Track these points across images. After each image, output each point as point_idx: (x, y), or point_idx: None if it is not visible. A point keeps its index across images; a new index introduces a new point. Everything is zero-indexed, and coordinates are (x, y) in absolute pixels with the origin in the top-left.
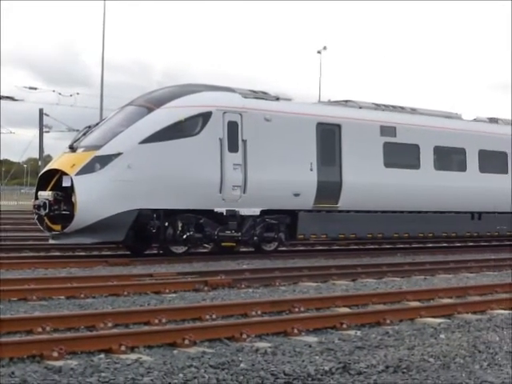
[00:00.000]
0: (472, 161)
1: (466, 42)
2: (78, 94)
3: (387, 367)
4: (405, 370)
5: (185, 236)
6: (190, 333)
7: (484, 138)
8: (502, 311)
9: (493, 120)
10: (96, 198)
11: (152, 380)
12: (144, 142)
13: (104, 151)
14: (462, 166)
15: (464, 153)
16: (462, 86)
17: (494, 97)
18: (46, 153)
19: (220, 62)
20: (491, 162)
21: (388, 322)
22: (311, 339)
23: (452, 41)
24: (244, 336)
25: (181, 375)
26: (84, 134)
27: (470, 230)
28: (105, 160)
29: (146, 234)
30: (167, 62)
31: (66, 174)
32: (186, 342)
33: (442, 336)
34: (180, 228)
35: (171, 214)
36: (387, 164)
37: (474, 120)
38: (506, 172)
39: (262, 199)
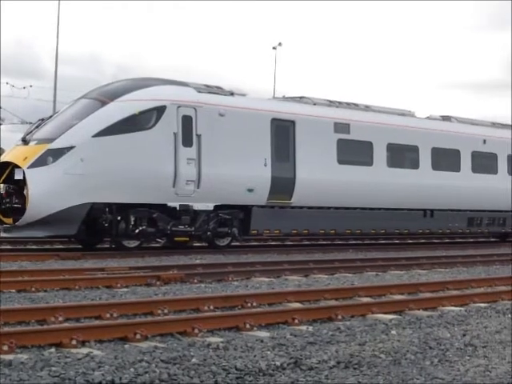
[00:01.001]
0: (425, 158)
1: (419, 40)
2: (31, 86)
3: (338, 363)
4: (356, 366)
5: (137, 230)
6: (141, 327)
7: (437, 135)
8: (453, 308)
9: (446, 118)
10: (48, 192)
11: (103, 374)
12: (97, 135)
13: (57, 144)
14: (414, 164)
15: (417, 150)
16: (415, 84)
17: (445, 95)
18: None
19: (174, 56)
20: (444, 159)
21: (340, 317)
22: (263, 334)
23: (405, 39)
24: (196, 331)
25: (132, 370)
26: (37, 127)
27: (422, 227)
28: (57, 153)
29: (98, 227)
30: (121, 56)
31: (18, 167)
32: (138, 336)
33: (394, 332)
34: (133, 222)
35: (124, 208)
36: (340, 161)
37: (428, 118)
38: (458, 170)
39: (215, 194)
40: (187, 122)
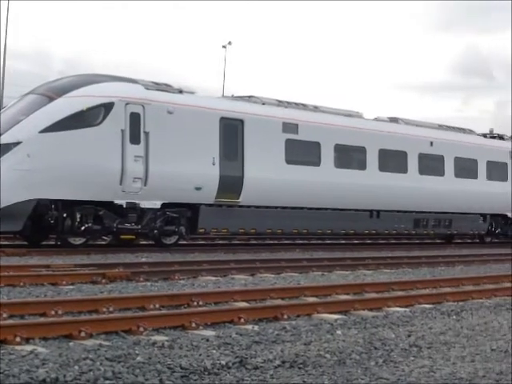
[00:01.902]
0: (372, 159)
1: (369, 41)
2: None
3: (284, 362)
4: (301, 366)
5: (83, 227)
6: (86, 325)
7: (384, 137)
8: (398, 308)
9: (393, 120)
10: None
11: (47, 372)
12: (44, 131)
13: (3, 139)
14: (361, 165)
15: (364, 151)
16: (365, 85)
17: (394, 97)
18: None
19: (123, 53)
20: (391, 161)
21: (285, 317)
22: (209, 333)
23: (354, 40)
24: (141, 329)
25: (76, 367)
26: None
27: (368, 228)
28: (4, 148)
29: (44, 224)
30: (68, 51)
31: None
32: (83, 334)
33: (339, 332)
34: (78, 219)
35: (70, 205)
36: (288, 160)
37: (375, 119)
38: (405, 171)
39: (163, 192)
40: (135, 119)
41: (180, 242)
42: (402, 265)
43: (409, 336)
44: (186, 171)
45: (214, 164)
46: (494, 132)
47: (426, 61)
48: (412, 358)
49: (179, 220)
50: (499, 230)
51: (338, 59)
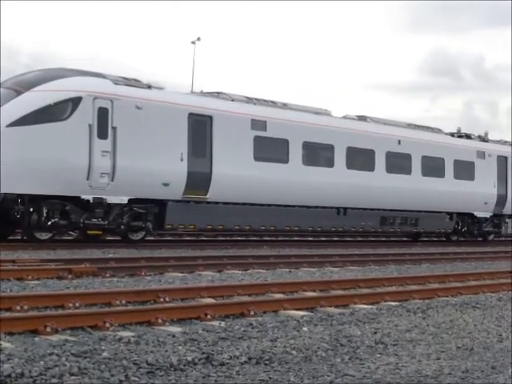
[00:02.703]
0: (340, 157)
1: (340, 40)
2: None
3: (250, 359)
4: (267, 362)
5: (50, 222)
6: (52, 320)
7: (352, 135)
8: (365, 306)
9: (361, 118)
10: None
11: (12, 367)
12: (11, 125)
13: None
14: (329, 162)
15: (332, 149)
16: (335, 84)
17: (365, 96)
18: None
19: (92, 48)
20: (358, 159)
21: (252, 313)
22: (175, 329)
23: (326, 39)
24: (107, 325)
25: (42, 363)
26: None
27: (335, 225)
28: None
29: (10, 218)
30: (35, 45)
31: None
32: (48, 329)
33: (305, 329)
34: (45, 214)
35: (36, 200)
36: (257, 157)
37: (344, 117)
38: (373, 169)
39: (130, 187)
40: (103, 113)
41: (147, 238)
42: (369, 262)
43: (375, 333)
44: (153, 167)
45: (182, 160)
46: (462, 131)
47: (396, 61)
48: (378, 355)
49: (146, 216)
50: (465, 228)
51: (307, 57)
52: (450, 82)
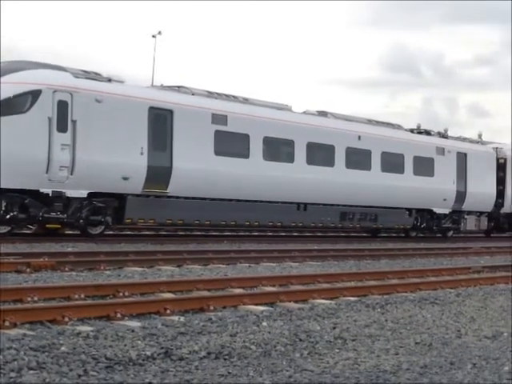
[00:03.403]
0: (300, 153)
1: (301, 34)
2: None
3: (209, 353)
4: (226, 357)
5: (8, 216)
6: (10, 314)
7: (312, 130)
8: (324, 301)
9: (322, 113)
10: None
11: None
12: None
13: None
14: (290, 158)
15: (292, 144)
16: (297, 79)
17: (326, 92)
18: None
19: (52, 41)
20: (319, 154)
21: (211, 308)
22: (134, 324)
23: (288, 34)
24: (66, 319)
25: (0, 357)
26: None
27: (295, 221)
28: None
29: None
30: None
31: None
32: (7, 323)
33: (264, 324)
34: (4, 207)
35: None
36: (217, 152)
37: (304, 113)
38: (333, 165)
39: (89, 181)
40: (63, 107)
41: (106, 232)
42: (328, 258)
43: (334, 328)
44: (113, 161)
45: (142, 154)
46: (421, 128)
47: (356, 56)
48: (337, 350)
49: (106, 210)
50: (424, 224)
51: (269, 52)
52: (409, 79)
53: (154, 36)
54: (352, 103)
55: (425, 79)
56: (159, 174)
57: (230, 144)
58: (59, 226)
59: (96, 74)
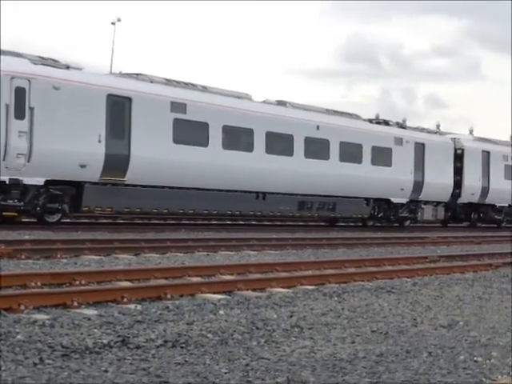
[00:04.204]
0: (259, 142)
1: (264, 25)
2: None
3: (166, 342)
4: (183, 345)
5: None
6: None
7: (272, 120)
8: (281, 289)
9: (281, 103)
10: None
11: None
12: None
13: None
14: (249, 147)
15: (251, 133)
16: (257, 69)
17: (285, 81)
18: None
19: (9, 28)
20: (277, 144)
21: (169, 296)
22: (91, 312)
23: (248, 24)
24: (22, 307)
25: None
26: None
27: (254, 209)
28: None
29: None
30: None
31: None
32: None
33: (222, 312)
34: None
35: None
36: (176, 140)
37: (263, 102)
38: (291, 154)
39: (47, 169)
40: (20, 93)
41: (63, 220)
42: (287, 246)
43: (291, 317)
44: (70, 148)
45: (99, 142)
46: (380, 118)
47: (314, 46)
48: (293, 339)
49: (63, 198)
50: (382, 214)
51: (228, 41)
52: (367, 69)
53: (113, 23)
54: (311, 93)
55: (383, 70)
56: (117, 161)
57: (189, 132)
58: (16, 214)
59: (54, 60)
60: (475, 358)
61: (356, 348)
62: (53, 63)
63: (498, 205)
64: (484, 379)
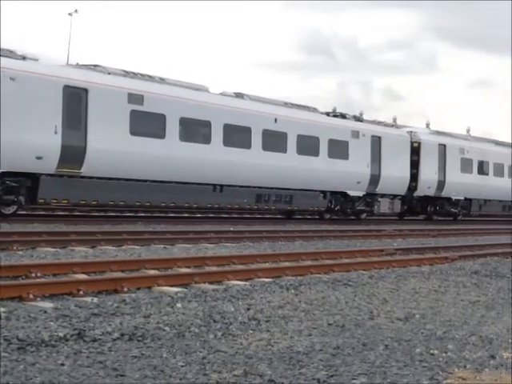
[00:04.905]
0: (216, 134)
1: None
2: None
3: (122, 335)
4: (140, 338)
5: None
6: None
7: (229, 112)
8: (238, 282)
9: (239, 95)
10: None
11: None
12: None
13: None
14: (206, 139)
15: (209, 126)
16: (218, 61)
17: (243, 74)
18: None
19: None
20: (235, 136)
21: (125, 289)
22: (47, 305)
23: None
24: None
25: None
26: None
27: (211, 202)
28: None
29: None
30: None
31: None
32: None
33: (179, 305)
34: None
35: None
36: (133, 132)
37: (221, 94)
38: (249, 147)
39: (2, 160)
40: None
41: (19, 212)
42: (244, 239)
43: (248, 309)
44: (26, 139)
45: (56, 133)
46: (337, 111)
47: (274, 39)
48: (250, 332)
49: (19, 189)
50: (339, 207)
51: (187, 33)
52: (324, 62)
53: (70, 14)
54: (268, 86)
55: (339, 63)
56: (73, 153)
57: (146, 124)
58: None
59: (10, 51)
60: (431, 351)
61: (313, 341)
62: (9, 54)
63: (454, 198)
64: (440, 372)
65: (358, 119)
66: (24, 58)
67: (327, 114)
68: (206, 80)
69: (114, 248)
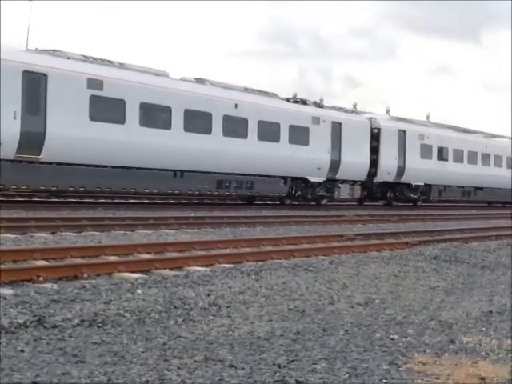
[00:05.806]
0: (177, 119)
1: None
2: None
3: (82, 321)
4: (100, 325)
5: None
6: None
7: (190, 97)
8: (199, 268)
9: (199, 80)
10: None
11: None
12: None
13: None
14: (167, 124)
15: (169, 111)
16: (180, 48)
17: (202, 61)
18: None
19: None
20: (196, 121)
21: (85, 275)
22: (6, 292)
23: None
24: None
25: None
26: None
27: (171, 188)
28: None
29: None
30: None
31: None
32: None
33: (139, 291)
34: None
35: None
36: (93, 117)
37: (181, 79)
38: (210, 132)
39: None
40: None
41: None
42: (204, 225)
43: (208, 295)
44: None
45: (15, 118)
46: (298, 97)
47: (236, 27)
48: (211, 317)
49: None
50: (299, 192)
51: (152, 19)
52: (285, 49)
53: None
54: (229, 72)
55: (301, 51)
56: (32, 139)
57: (106, 109)
58: None
59: None
60: (391, 336)
61: (273, 326)
62: None
63: (414, 184)
64: (400, 357)
65: (319, 105)
66: None
67: (288, 99)
68: (166, 66)
69: (74, 234)
